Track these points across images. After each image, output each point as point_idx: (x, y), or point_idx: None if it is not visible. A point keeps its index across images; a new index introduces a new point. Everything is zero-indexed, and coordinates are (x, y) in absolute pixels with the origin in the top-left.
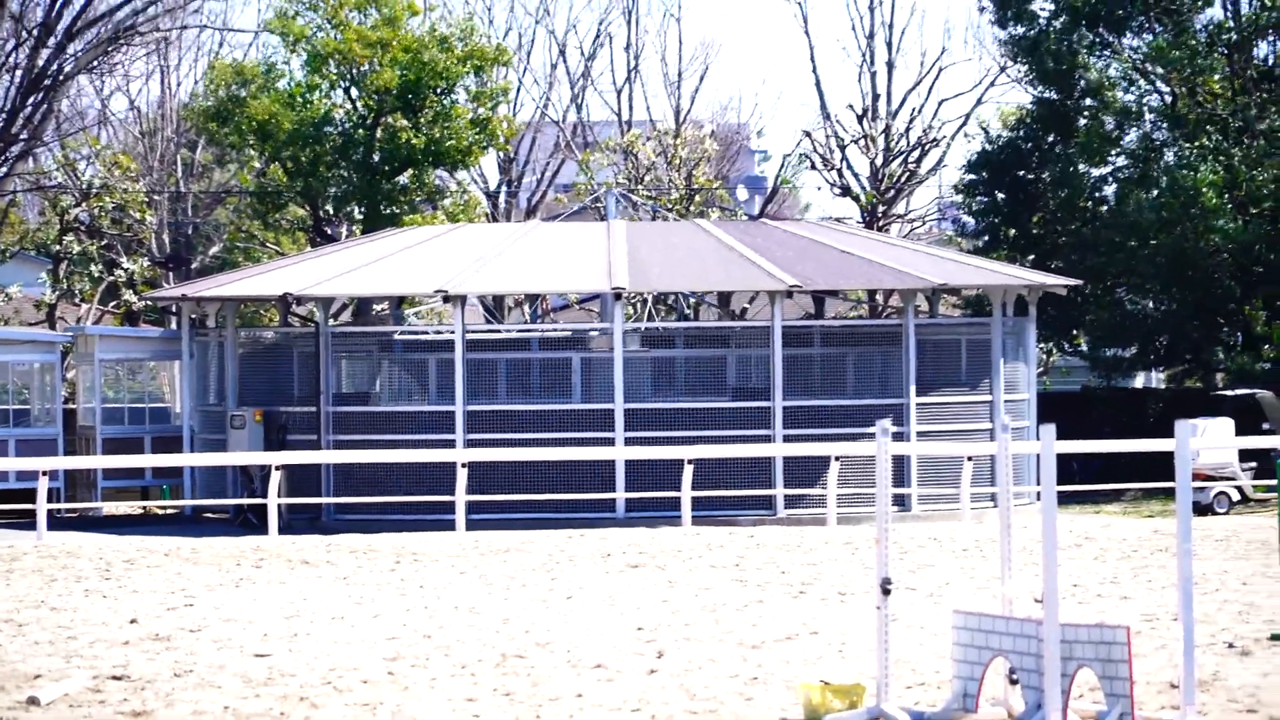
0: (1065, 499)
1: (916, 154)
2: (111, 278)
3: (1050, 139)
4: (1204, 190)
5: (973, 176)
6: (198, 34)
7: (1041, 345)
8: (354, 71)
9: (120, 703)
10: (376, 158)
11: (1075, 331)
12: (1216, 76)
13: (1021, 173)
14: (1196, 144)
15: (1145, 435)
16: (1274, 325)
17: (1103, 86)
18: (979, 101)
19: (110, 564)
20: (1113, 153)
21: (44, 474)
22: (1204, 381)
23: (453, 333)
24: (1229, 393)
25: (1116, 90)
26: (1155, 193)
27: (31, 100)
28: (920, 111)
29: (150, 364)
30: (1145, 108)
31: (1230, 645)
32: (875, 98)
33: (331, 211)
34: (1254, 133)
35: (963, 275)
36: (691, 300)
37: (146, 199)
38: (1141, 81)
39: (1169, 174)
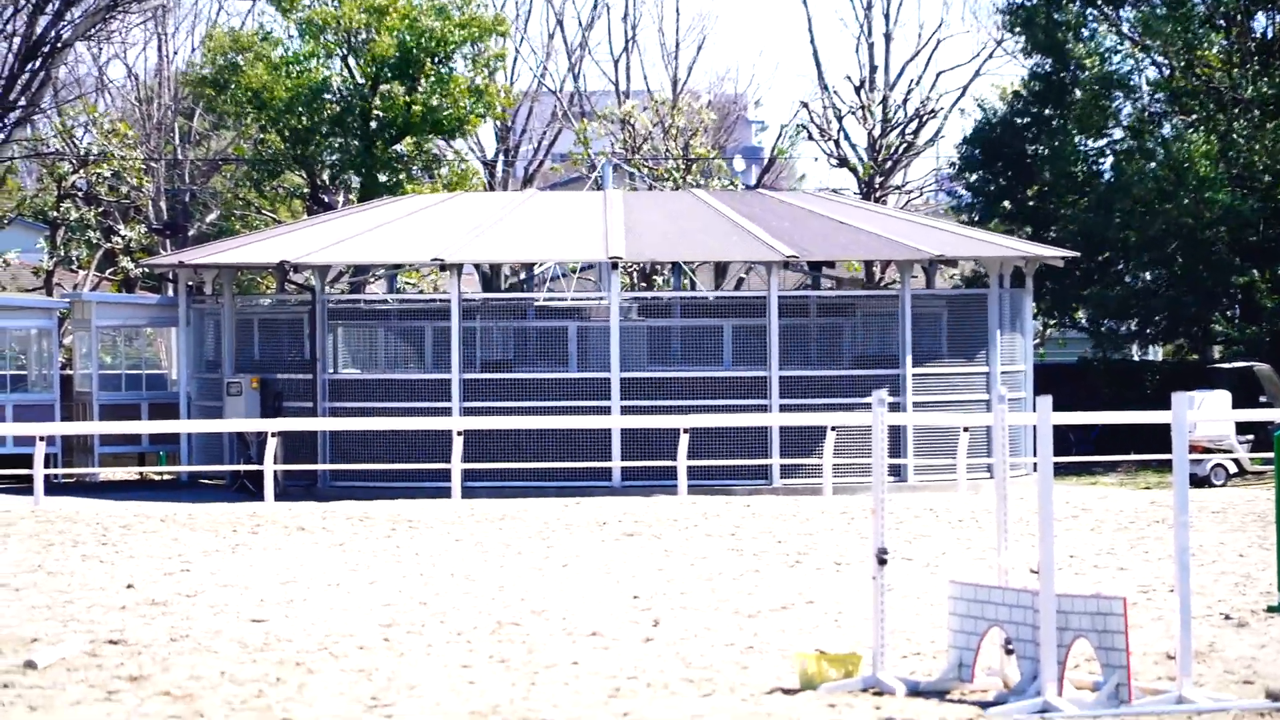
0: (1062, 470)
1: (914, 126)
2: (109, 244)
3: (1046, 112)
4: (1198, 161)
5: (970, 150)
6: (195, 1)
7: (1039, 319)
8: (351, 39)
9: (116, 667)
10: (373, 126)
11: (1074, 305)
12: (1214, 49)
13: (1018, 146)
14: (1192, 115)
15: (1142, 407)
16: (1275, 297)
17: (1099, 58)
18: (976, 74)
19: (107, 529)
20: (1109, 125)
21: (41, 439)
22: (1201, 354)
23: (447, 299)
24: (1226, 365)
25: (1113, 62)
26: (1152, 165)
27: (29, 67)
28: (918, 83)
29: (147, 330)
30: (1142, 80)
31: (1227, 617)
32: (873, 69)
33: (328, 180)
34: (1251, 104)
35: (959, 247)
36: (688, 269)
37: (144, 166)
38: (1138, 54)
39: (1164, 146)
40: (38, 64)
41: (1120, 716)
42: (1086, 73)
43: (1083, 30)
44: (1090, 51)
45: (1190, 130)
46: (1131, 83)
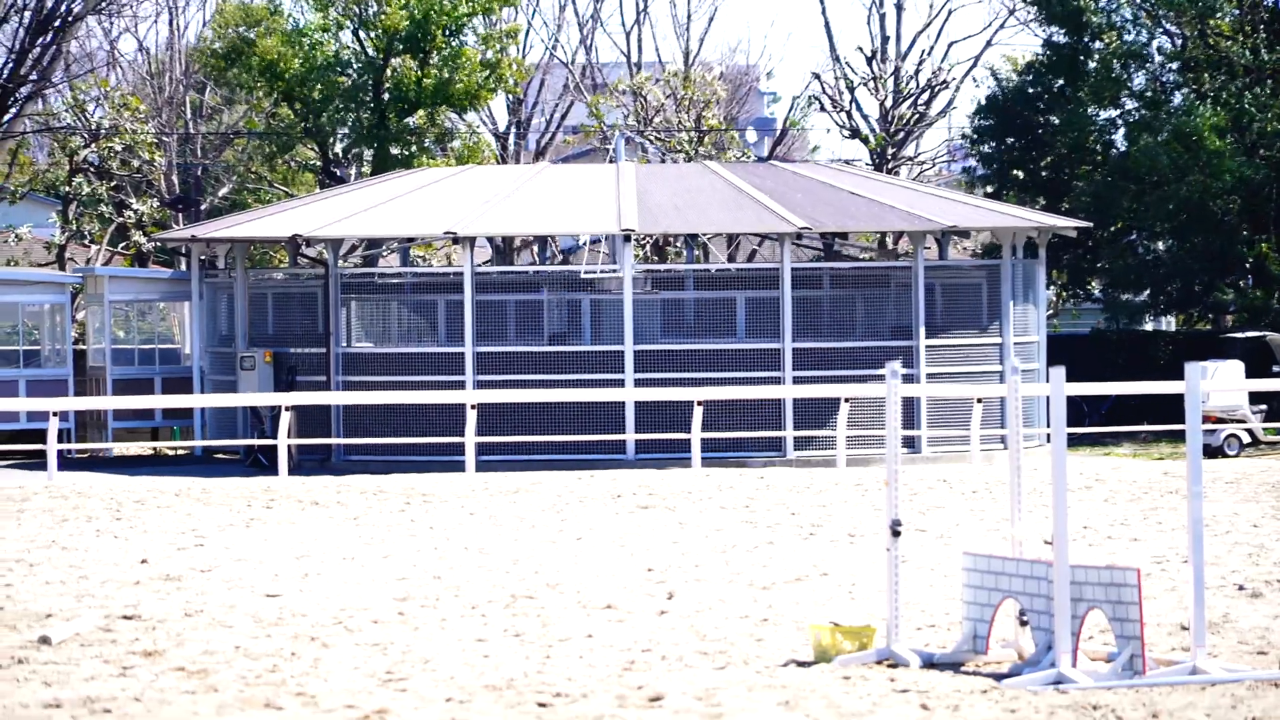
0: (1075, 441)
1: (926, 96)
2: (121, 219)
3: (1059, 82)
4: (1208, 135)
5: (982, 121)
6: None
7: (1053, 289)
8: (362, 12)
9: (131, 642)
10: (385, 99)
11: (1087, 276)
12: (1226, 19)
13: (1031, 116)
14: (1203, 86)
15: (1155, 378)
16: None
17: (1111, 28)
18: (988, 44)
19: (121, 504)
20: (1122, 95)
21: (54, 414)
22: (1214, 324)
23: (460, 273)
24: (1239, 335)
25: (1125, 32)
26: (1162, 137)
27: (40, 42)
28: (930, 53)
29: (160, 305)
30: (1155, 49)
31: (1240, 587)
32: (885, 39)
33: (340, 153)
34: (1263, 74)
35: (972, 217)
36: (700, 241)
37: (155, 140)
38: (1150, 23)
39: (1174, 118)
40: (49, 38)
41: (1135, 687)
42: (1101, 43)
43: (1094, 2)
44: (1107, 22)
45: (1198, 103)
46: (1145, 53)
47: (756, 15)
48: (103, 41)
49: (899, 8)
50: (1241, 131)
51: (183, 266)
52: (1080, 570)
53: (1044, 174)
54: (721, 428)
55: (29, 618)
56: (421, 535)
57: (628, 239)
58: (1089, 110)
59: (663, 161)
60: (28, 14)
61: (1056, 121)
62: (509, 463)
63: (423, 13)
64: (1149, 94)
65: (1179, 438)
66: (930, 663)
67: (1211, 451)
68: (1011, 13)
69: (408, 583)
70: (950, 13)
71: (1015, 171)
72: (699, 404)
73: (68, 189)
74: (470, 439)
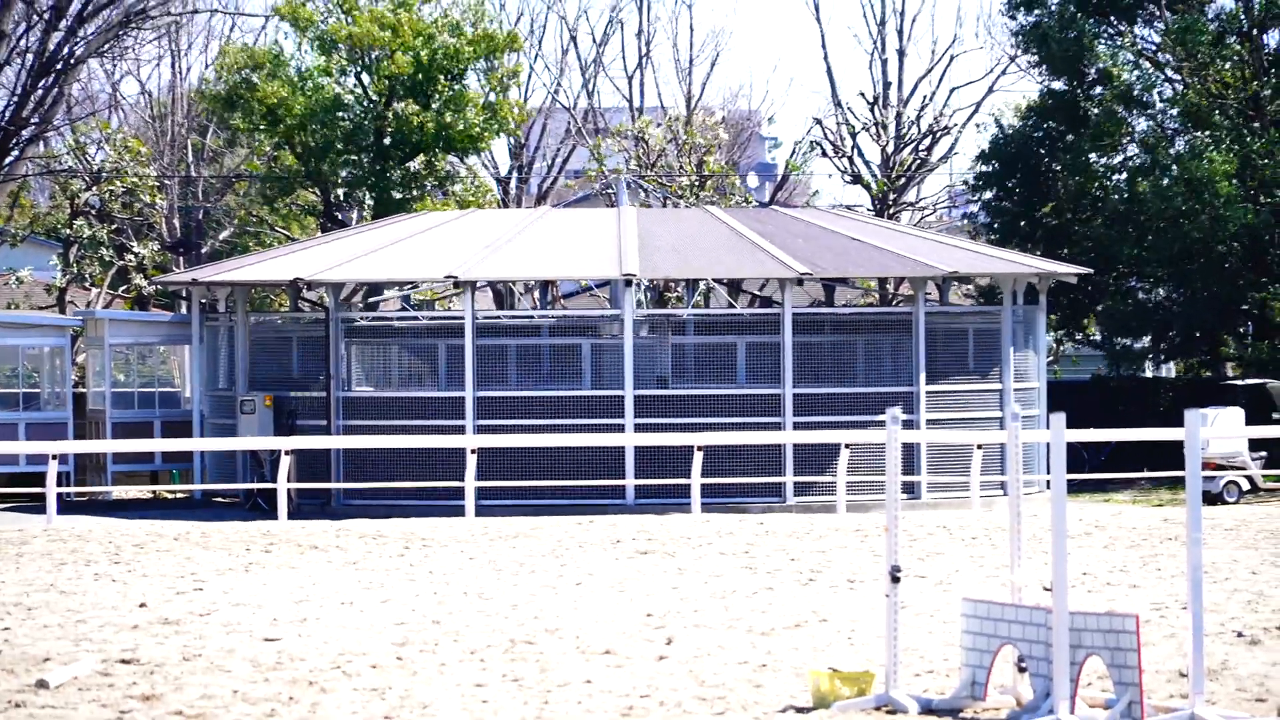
0: (1075, 487)
1: (927, 142)
2: (122, 262)
3: (1061, 128)
4: (1218, 180)
5: (984, 167)
6: (208, 18)
7: (1053, 334)
8: (365, 56)
9: (129, 686)
10: (387, 143)
11: (1087, 321)
12: (1228, 65)
13: (1033, 162)
14: (1208, 131)
15: (1156, 424)
16: None
17: (1112, 76)
18: (990, 90)
19: (120, 548)
20: (1124, 142)
21: (54, 458)
22: (1215, 371)
23: (462, 318)
24: (1240, 382)
25: (1126, 78)
26: (1166, 181)
27: (43, 84)
28: (931, 99)
29: (160, 348)
30: (1156, 96)
31: (1239, 634)
32: (886, 85)
33: (342, 197)
34: (1266, 120)
35: (973, 263)
36: (702, 286)
37: (157, 183)
38: (1152, 70)
39: (1180, 163)
40: (51, 80)
41: None
42: (1101, 90)
43: (1097, 48)
44: (1105, 71)
45: (1209, 148)
46: (1146, 100)
47: (759, 60)
48: (105, 84)
49: (901, 54)
50: (1245, 178)
51: (183, 310)
52: (1079, 617)
53: (1046, 220)
54: (722, 473)
55: (27, 661)
56: (421, 580)
57: (629, 284)
58: (1090, 156)
59: (664, 206)
60: (30, 56)
61: (1058, 167)
62: (509, 507)
63: (426, 57)
64: (1151, 140)
65: (1179, 484)
66: (929, 709)
67: (1211, 498)
68: (1013, 59)
69: (406, 627)
70: (952, 59)
71: (1018, 220)
72: (699, 449)
73: (69, 232)
74: (470, 483)
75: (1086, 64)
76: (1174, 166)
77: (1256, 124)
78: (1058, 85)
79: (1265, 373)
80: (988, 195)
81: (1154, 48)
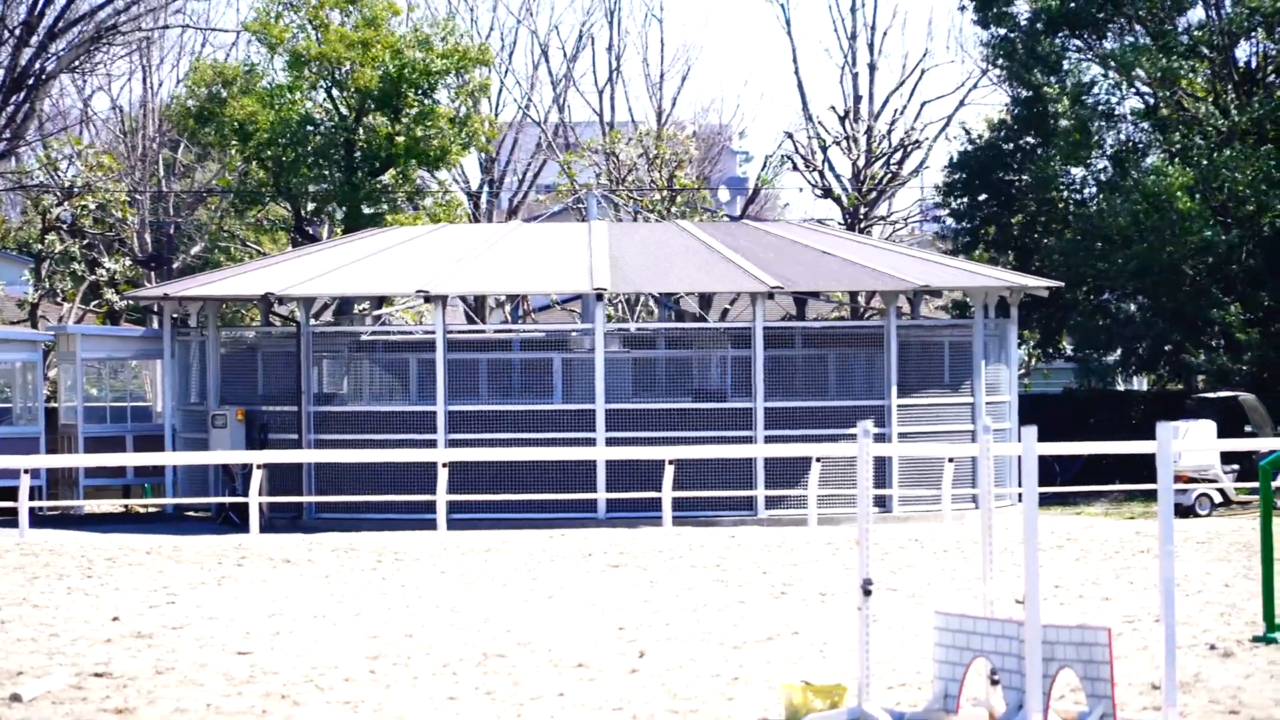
0: (1047, 500)
1: (898, 155)
2: (94, 277)
3: (1030, 140)
4: (1178, 195)
5: (954, 176)
6: (180, 34)
7: (1025, 348)
8: (335, 72)
9: (102, 700)
10: (357, 157)
11: (1058, 336)
12: (1198, 79)
13: (1002, 174)
14: (1173, 146)
15: (1128, 437)
16: (1250, 331)
17: (1080, 90)
18: (961, 104)
19: (92, 562)
20: (1092, 154)
21: (26, 472)
22: (1185, 384)
23: (433, 333)
24: (1212, 395)
25: (1095, 92)
26: (1132, 197)
27: (13, 99)
28: (902, 113)
29: (132, 363)
30: (1126, 110)
31: (1212, 647)
32: (857, 99)
33: (313, 211)
34: (1235, 134)
35: (944, 277)
36: (673, 299)
37: (128, 198)
38: (1122, 84)
39: (1140, 181)
40: (22, 96)
41: None
42: (1067, 105)
43: (1063, 63)
44: (1071, 85)
45: (1168, 164)
46: (1115, 112)
47: (729, 75)
48: (76, 99)
49: (872, 68)
50: (1210, 193)
51: (155, 324)
52: (1051, 629)
53: (1015, 231)
54: (693, 486)
55: (0, 675)
56: (393, 593)
57: (600, 298)
58: (1059, 168)
59: (635, 220)
60: (1, 71)
61: (1027, 179)
62: (481, 521)
63: (396, 71)
64: (1120, 153)
65: (1151, 497)
66: None
67: (1183, 511)
68: (984, 73)
69: (379, 641)
70: (923, 73)
71: (987, 228)
72: (670, 463)
73: (40, 247)
74: (442, 497)
75: (1055, 78)
76: (1139, 183)
77: (1222, 138)
78: (1026, 97)
79: (1232, 386)
80: (957, 203)
81: (1123, 63)
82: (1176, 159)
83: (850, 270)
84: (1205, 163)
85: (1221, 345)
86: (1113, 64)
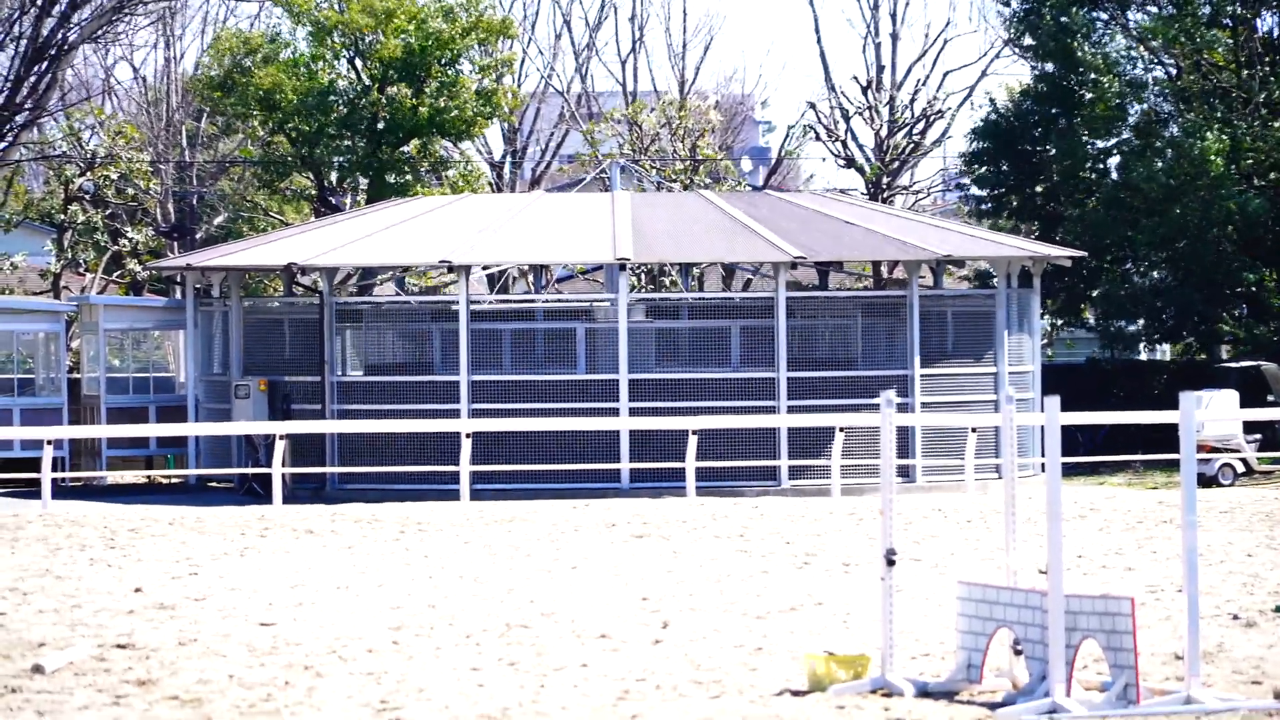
0: (1069, 470)
1: (921, 125)
2: (116, 247)
3: (1054, 111)
4: (1211, 159)
5: (979, 145)
6: (203, 3)
7: (1048, 318)
8: (359, 42)
9: (125, 671)
10: (380, 128)
11: (1082, 305)
12: (1220, 49)
13: (1026, 144)
14: (1200, 114)
15: (1151, 407)
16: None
17: (1105, 62)
18: (984, 74)
19: (115, 533)
20: (1118, 126)
21: (49, 443)
22: (1209, 354)
23: (456, 303)
24: (1234, 365)
25: (1120, 65)
26: (1159, 164)
27: (36, 70)
28: (925, 83)
29: (155, 333)
30: (1150, 80)
31: (1235, 617)
32: (880, 69)
33: (336, 181)
34: (1258, 104)
35: (967, 246)
36: (696, 271)
37: (151, 168)
38: (1146, 55)
39: (1174, 145)
40: (44, 66)
41: (1128, 717)
42: (1094, 77)
43: (1090, 34)
44: (1098, 57)
45: (1204, 128)
46: (1141, 82)
47: (752, 45)
48: (99, 69)
49: (894, 37)
50: (1238, 161)
51: (178, 295)
52: (1074, 599)
53: (1038, 201)
54: (716, 457)
55: (22, 646)
56: (416, 564)
57: (623, 268)
58: (1084, 139)
59: (658, 190)
60: (23, 42)
61: (1052, 150)
62: (504, 491)
63: (419, 43)
64: (1144, 124)
65: (1174, 467)
66: (924, 692)
67: (1206, 481)
68: (1007, 43)
69: (402, 611)
70: (946, 42)
71: (1010, 198)
72: (694, 433)
73: (63, 217)
74: (465, 468)
75: (1078, 51)
76: (1168, 150)
77: (1248, 107)
78: (1050, 70)
79: (1260, 355)
80: (981, 170)
81: (1147, 33)
82: (1206, 125)
83: (873, 240)
84: (1230, 129)
85: (1245, 313)
86: (1143, 35)
